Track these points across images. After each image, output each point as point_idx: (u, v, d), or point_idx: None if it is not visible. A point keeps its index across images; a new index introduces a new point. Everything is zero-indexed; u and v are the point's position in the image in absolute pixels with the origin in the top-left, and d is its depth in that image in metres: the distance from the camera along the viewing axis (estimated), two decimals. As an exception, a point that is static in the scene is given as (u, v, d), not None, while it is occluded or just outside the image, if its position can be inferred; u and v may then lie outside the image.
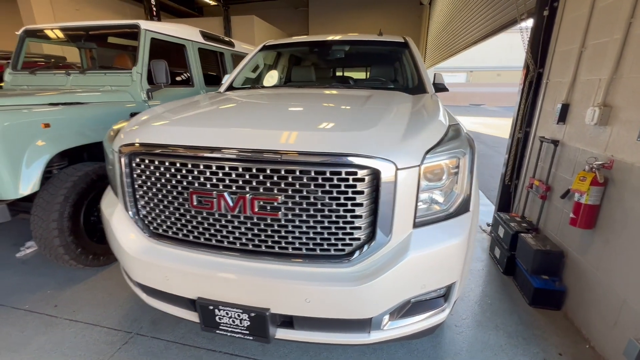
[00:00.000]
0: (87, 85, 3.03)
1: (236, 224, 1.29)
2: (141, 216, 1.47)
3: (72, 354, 1.73)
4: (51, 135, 2.14)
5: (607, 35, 1.90)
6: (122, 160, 1.41)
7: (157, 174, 1.35)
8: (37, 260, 2.64)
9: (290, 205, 1.22)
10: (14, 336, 1.85)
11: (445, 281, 1.35)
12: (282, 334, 1.37)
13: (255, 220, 1.26)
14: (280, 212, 1.23)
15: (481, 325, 1.98)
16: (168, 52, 3.66)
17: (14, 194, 1.96)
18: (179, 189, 1.32)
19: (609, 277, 1.76)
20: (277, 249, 1.29)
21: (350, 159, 1.16)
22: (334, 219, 1.21)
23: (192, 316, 1.44)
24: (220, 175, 1.24)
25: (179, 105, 1.83)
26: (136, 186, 1.43)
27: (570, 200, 2.06)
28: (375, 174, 1.18)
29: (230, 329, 1.35)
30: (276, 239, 1.27)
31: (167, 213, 1.39)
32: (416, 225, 1.29)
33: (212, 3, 12.43)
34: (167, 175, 1.33)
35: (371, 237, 1.25)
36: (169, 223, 1.41)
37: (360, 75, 4.53)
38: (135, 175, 1.42)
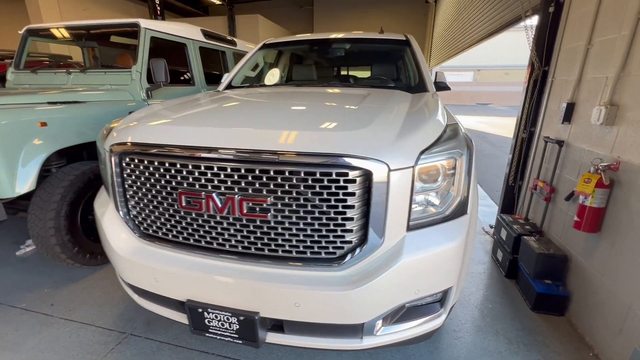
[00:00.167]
0: (87, 84, 3.04)
1: (225, 225, 1.26)
2: (132, 216, 1.45)
3: (66, 354, 1.73)
4: (48, 134, 2.14)
5: (615, 32, 1.83)
6: (113, 159, 1.39)
7: (147, 174, 1.33)
8: (36, 258, 2.65)
9: (279, 206, 1.19)
10: (9, 335, 1.85)
11: (440, 286, 1.31)
12: (272, 338, 1.35)
13: (244, 221, 1.23)
14: (269, 214, 1.20)
15: (481, 330, 1.93)
16: (169, 51, 3.65)
17: (10, 192, 1.96)
18: (168, 189, 1.30)
19: (614, 282, 1.70)
20: (266, 252, 1.26)
21: (341, 159, 1.12)
22: (324, 221, 1.18)
23: (182, 318, 1.42)
24: (209, 175, 1.21)
25: (172, 104, 1.81)
26: (126, 186, 1.41)
27: (574, 203, 1.99)
28: (367, 175, 1.14)
29: (219, 333, 1.32)
30: (265, 241, 1.24)
31: (156, 213, 1.37)
32: (410, 228, 1.24)
33: (218, 2, 12.45)
34: (157, 175, 1.31)
35: (363, 240, 1.21)
36: (158, 224, 1.39)
37: (362, 73, 4.47)
38: (125, 175, 1.40)
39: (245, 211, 1.20)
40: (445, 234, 1.27)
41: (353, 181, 1.13)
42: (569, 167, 2.20)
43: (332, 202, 1.15)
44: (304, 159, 1.13)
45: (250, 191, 1.19)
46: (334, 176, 1.13)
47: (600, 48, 1.97)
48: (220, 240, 1.29)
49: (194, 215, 1.29)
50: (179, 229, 1.35)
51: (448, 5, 8.35)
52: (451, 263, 1.28)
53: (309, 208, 1.17)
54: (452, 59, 8.26)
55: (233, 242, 1.28)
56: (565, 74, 2.34)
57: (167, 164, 1.27)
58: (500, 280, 2.46)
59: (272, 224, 1.21)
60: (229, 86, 2.75)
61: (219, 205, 1.22)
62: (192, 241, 1.34)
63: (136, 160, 1.34)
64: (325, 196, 1.15)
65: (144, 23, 3.01)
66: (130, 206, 1.44)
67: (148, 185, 1.34)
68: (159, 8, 9.46)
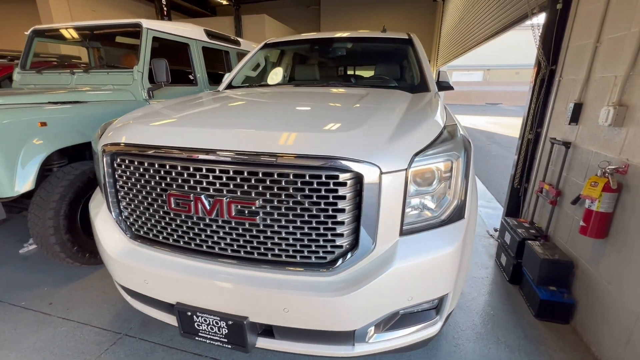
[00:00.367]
0: (91, 84, 3.06)
1: (214, 228, 1.24)
2: (123, 217, 1.44)
3: (61, 354, 1.73)
4: (48, 133, 2.15)
5: (624, 29, 1.76)
6: (105, 159, 1.38)
7: (137, 175, 1.32)
8: (38, 257, 2.68)
9: (268, 209, 1.16)
10: (7, 333, 1.87)
11: (436, 293, 1.26)
12: (263, 343, 1.32)
13: (233, 224, 1.21)
14: (258, 217, 1.17)
15: (481, 337, 1.87)
16: (174, 51, 3.67)
17: (9, 192, 1.98)
18: (158, 190, 1.29)
19: (621, 291, 1.63)
20: (256, 255, 1.23)
21: (330, 161, 1.08)
22: (314, 224, 1.15)
23: (172, 320, 1.40)
24: (197, 177, 1.19)
25: (167, 105, 1.80)
26: (118, 187, 1.40)
27: (581, 207, 1.92)
28: (358, 178, 1.10)
29: (208, 336, 1.30)
30: (255, 244, 1.22)
31: (147, 215, 1.36)
32: (404, 232, 1.20)
33: (225, 3, 12.52)
34: (147, 176, 1.29)
35: (354, 244, 1.17)
36: (149, 225, 1.37)
37: (365, 73, 4.42)
38: (117, 176, 1.39)
39: (234, 214, 1.18)
40: (441, 239, 1.23)
41: (343, 184, 1.10)
42: (575, 170, 2.12)
43: (322, 205, 1.12)
44: (292, 161, 1.10)
45: (238, 193, 1.16)
46: (323, 179, 1.09)
47: (609, 46, 1.89)
48: (210, 243, 1.27)
49: (183, 217, 1.28)
50: (169, 230, 1.33)
51: (456, 3, 8.23)
52: (447, 269, 1.23)
53: (299, 211, 1.14)
54: (461, 58, 8.13)
55: (222, 245, 1.26)
56: (573, 73, 2.26)
57: (156, 165, 1.25)
58: (504, 285, 2.39)
59: (261, 227, 1.19)
60: (229, 86, 2.73)
61: (208, 207, 1.20)
62: (181, 243, 1.32)
63: (127, 161, 1.33)
64: (315, 199, 1.11)
65: (146, 23, 3.01)
66: (122, 207, 1.43)
67: (139, 186, 1.33)
68: (165, 9, 9.54)
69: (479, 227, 3.39)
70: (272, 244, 1.20)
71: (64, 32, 3.34)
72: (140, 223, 1.39)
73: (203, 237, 1.27)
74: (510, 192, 2.98)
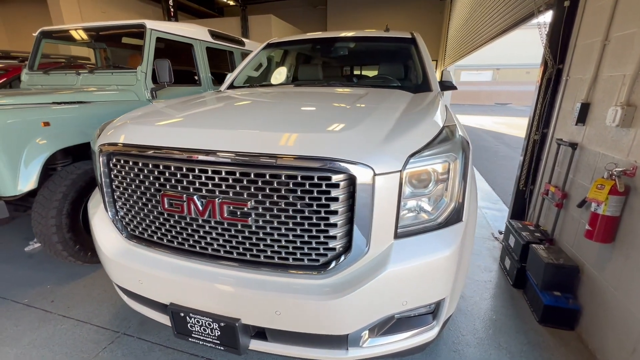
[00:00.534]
0: (96, 84, 3.10)
1: (207, 229, 1.23)
2: (119, 217, 1.44)
3: (60, 351, 1.75)
4: (51, 133, 2.18)
5: (634, 26, 1.70)
6: (101, 159, 1.39)
7: (132, 175, 1.32)
8: (42, 255, 2.72)
9: (261, 211, 1.15)
10: (9, 330, 1.90)
11: (431, 297, 1.23)
12: (256, 345, 1.31)
13: (225, 225, 1.20)
14: (250, 218, 1.16)
15: (482, 343, 1.83)
16: (179, 51, 3.69)
17: (12, 190, 2.01)
18: (152, 190, 1.28)
19: (628, 297, 1.57)
20: (248, 257, 1.22)
21: (322, 162, 1.06)
22: (306, 226, 1.13)
23: (167, 320, 1.39)
24: (190, 177, 1.19)
25: (165, 105, 1.81)
26: (114, 186, 1.41)
27: (587, 210, 1.86)
28: (351, 180, 1.08)
29: (202, 338, 1.30)
30: (247, 245, 1.20)
31: (142, 215, 1.36)
32: (399, 235, 1.18)
33: (232, 3, 12.59)
34: (141, 177, 1.29)
35: (348, 247, 1.15)
36: (144, 225, 1.37)
37: (370, 73, 4.38)
38: (112, 176, 1.39)
39: (226, 215, 1.17)
40: (437, 242, 1.20)
41: (336, 185, 1.08)
42: (582, 172, 2.06)
43: (315, 207, 1.10)
44: (284, 162, 1.08)
45: (230, 194, 1.15)
46: (315, 180, 1.07)
47: (617, 44, 1.83)
48: (203, 244, 1.26)
49: (176, 217, 1.27)
50: (162, 230, 1.33)
51: (463, 2, 8.12)
52: (444, 273, 1.20)
53: (291, 213, 1.12)
54: (470, 58, 8.02)
55: (215, 246, 1.25)
56: (580, 72, 2.20)
57: (150, 165, 1.25)
58: (507, 289, 2.34)
59: (254, 228, 1.17)
60: (231, 86, 2.73)
61: (200, 208, 1.19)
62: (175, 244, 1.32)
63: (122, 161, 1.33)
64: (307, 201, 1.10)
65: (150, 24, 3.03)
66: (118, 207, 1.43)
67: (133, 187, 1.33)
68: (172, 10, 9.64)
69: (484, 229, 3.33)
70: (264, 245, 1.19)
71: (70, 34, 3.39)
72: (135, 223, 1.39)
73: (196, 237, 1.26)
74: (515, 194, 2.92)
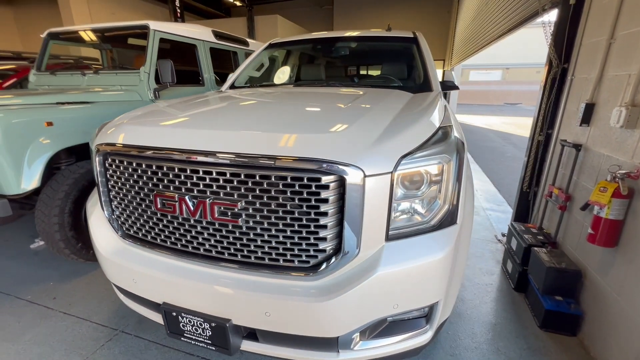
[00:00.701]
0: (100, 84, 3.14)
1: (199, 229, 1.23)
2: (115, 216, 1.46)
3: (59, 348, 1.78)
4: (54, 133, 2.21)
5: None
6: (97, 159, 1.40)
7: (127, 175, 1.33)
8: (47, 252, 2.77)
9: (251, 212, 1.14)
10: (11, 326, 1.93)
11: (424, 301, 1.21)
12: (247, 346, 1.31)
13: (216, 226, 1.20)
14: (240, 219, 1.15)
15: (480, 347, 1.79)
16: (184, 52, 3.72)
17: (16, 189, 2.05)
18: (145, 190, 1.29)
19: (631, 303, 1.52)
20: (239, 257, 1.22)
21: (312, 163, 1.06)
22: (296, 228, 1.12)
23: (161, 320, 1.41)
24: (182, 178, 1.19)
25: (163, 105, 1.82)
26: (110, 186, 1.42)
27: (591, 213, 1.81)
28: (341, 181, 1.07)
29: (193, 337, 1.30)
30: (238, 246, 1.20)
31: (136, 215, 1.37)
32: (390, 237, 1.16)
33: (238, 4, 12.66)
34: (135, 177, 1.30)
35: (338, 249, 1.14)
36: (138, 225, 1.38)
37: (373, 73, 4.35)
38: (108, 175, 1.41)
39: (216, 215, 1.17)
40: (430, 245, 1.18)
41: (326, 187, 1.07)
42: (586, 174, 2.01)
43: (305, 209, 1.09)
44: (273, 163, 1.08)
45: (221, 195, 1.15)
46: (305, 181, 1.07)
47: (623, 42, 1.78)
48: (195, 244, 1.27)
49: (169, 217, 1.28)
50: (156, 230, 1.33)
51: (470, 0, 8.02)
52: (436, 277, 1.18)
53: (281, 214, 1.12)
54: (479, 57, 7.92)
55: (207, 247, 1.25)
56: (585, 71, 2.14)
57: (144, 165, 1.26)
58: (509, 293, 2.30)
59: (244, 229, 1.17)
60: (232, 86, 2.74)
61: (191, 208, 1.19)
62: (168, 244, 1.32)
63: (117, 161, 1.35)
64: (297, 202, 1.09)
65: (153, 25, 3.07)
66: (113, 206, 1.45)
67: (128, 186, 1.34)
68: (179, 10, 9.74)
69: (487, 231, 3.28)
70: (255, 246, 1.18)
71: (76, 35, 3.44)
72: (130, 222, 1.40)
73: (188, 237, 1.27)
74: (519, 196, 2.87)
